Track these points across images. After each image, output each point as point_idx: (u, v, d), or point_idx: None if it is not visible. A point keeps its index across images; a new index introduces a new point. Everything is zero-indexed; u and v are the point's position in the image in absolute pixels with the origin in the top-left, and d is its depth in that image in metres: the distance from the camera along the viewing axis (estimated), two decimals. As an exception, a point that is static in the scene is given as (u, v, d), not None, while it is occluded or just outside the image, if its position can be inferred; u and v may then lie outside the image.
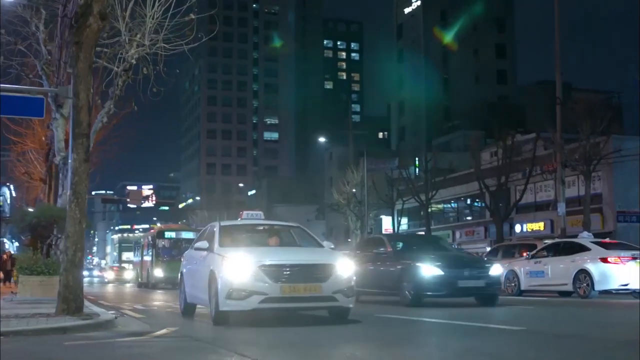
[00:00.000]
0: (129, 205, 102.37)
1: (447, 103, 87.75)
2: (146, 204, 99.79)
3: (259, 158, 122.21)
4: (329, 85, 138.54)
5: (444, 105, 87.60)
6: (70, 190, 10.76)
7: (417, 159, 61.42)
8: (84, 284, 20.70)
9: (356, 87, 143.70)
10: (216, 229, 11.32)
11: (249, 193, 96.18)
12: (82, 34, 10.79)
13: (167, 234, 38.17)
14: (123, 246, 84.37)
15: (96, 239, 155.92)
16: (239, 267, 9.65)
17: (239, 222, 12.41)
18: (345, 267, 10.13)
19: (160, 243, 37.36)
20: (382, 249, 16.77)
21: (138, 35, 16.63)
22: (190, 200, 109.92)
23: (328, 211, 69.38)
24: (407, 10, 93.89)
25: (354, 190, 55.03)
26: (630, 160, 34.77)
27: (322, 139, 70.86)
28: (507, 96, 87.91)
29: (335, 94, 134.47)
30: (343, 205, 55.31)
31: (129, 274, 56.52)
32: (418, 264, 14.61)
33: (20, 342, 7.97)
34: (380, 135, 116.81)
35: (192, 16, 16.88)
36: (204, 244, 11.12)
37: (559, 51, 31.60)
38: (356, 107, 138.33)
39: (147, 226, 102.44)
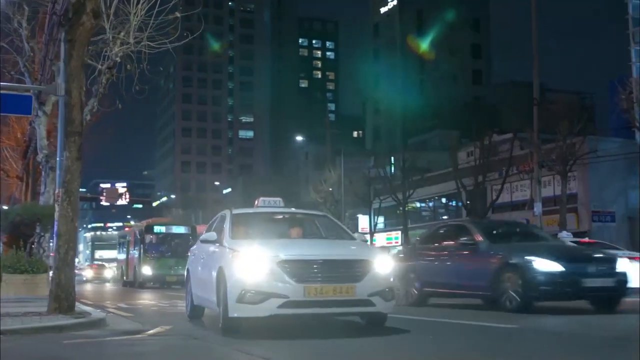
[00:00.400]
0: (102, 203, 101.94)
1: (423, 102, 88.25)
2: (119, 202, 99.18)
3: (234, 156, 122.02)
4: (304, 84, 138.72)
5: (419, 105, 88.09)
6: (62, 189, 10.72)
7: (392, 158, 61.81)
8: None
9: (331, 86, 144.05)
10: (227, 218, 9.76)
11: (224, 191, 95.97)
12: (76, 32, 10.78)
13: (157, 229, 34.97)
14: (96, 244, 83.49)
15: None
16: (253, 264, 8.01)
17: (254, 210, 10.61)
18: (384, 263, 8.43)
19: (149, 238, 34.26)
20: (466, 239, 13.23)
21: (122, 33, 16.60)
22: (164, 199, 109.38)
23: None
24: (383, 10, 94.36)
25: (330, 189, 55.23)
26: (605, 161, 35.32)
27: (299, 138, 70.98)
28: (482, 96, 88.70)
29: (310, 93, 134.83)
30: (320, 204, 55.44)
31: (109, 272, 54.95)
32: (529, 257, 11.52)
33: (19, 340, 7.95)
34: (355, 134, 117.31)
35: (178, 14, 16.92)
36: (211, 235, 9.54)
37: (537, 53, 32.00)
38: (331, 106, 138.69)
39: (120, 224, 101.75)
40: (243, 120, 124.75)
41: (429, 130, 77.36)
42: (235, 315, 8.06)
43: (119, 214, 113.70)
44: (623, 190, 38.94)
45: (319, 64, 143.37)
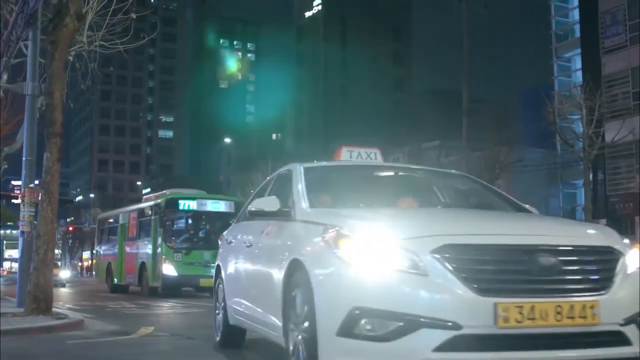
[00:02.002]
0: (13, 201, 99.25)
1: (345, 107, 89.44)
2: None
3: (153, 156, 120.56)
4: (224, 84, 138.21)
5: (341, 110, 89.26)
6: (42, 190, 10.74)
7: (315, 161, 62.44)
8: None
9: (251, 88, 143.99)
10: (297, 177, 5.61)
11: (144, 191, 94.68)
12: (59, 33, 10.82)
13: (183, 204, 23.04)
14: (7, 243, 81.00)
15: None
16: (376, 255, 3.97)
17: (338, 163, 6.46)
18: (636, 257, 4.23)
19: (171, 219, 22.72)
20: None
21: (72, 31, 16.49)
22: (80, 197, 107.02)
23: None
24: (307, 14, 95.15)
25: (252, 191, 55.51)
26: (528, 170, 36.97)
27: (227, 140, 70.91)
28: (403, 103, 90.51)
29: (230, 94, 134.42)
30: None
31: (65, 273, 46.04)
32: None
33: (18, 341, 7.96)
34: (274, 136, 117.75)
35: (133, 16, 16.96)
36: (270, 202, 5.37)
37: (467, 65, 33.13)
38: (250, 108, 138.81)
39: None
40: (163, 119, 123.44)
41: (350, 136, 78.48)
42: None
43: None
44: (544, 198, 40.79)
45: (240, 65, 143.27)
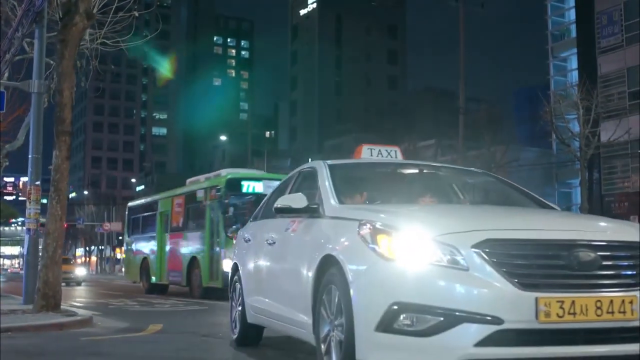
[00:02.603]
0: (5, 197, 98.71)
1: (339, 106, 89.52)
2: (24, 197, 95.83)
3: (146, 153, 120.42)
4: (217, 82, 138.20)
5: (336, 108, 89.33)
6: (52, 187, 10.80)
7: (310, 159, 62.65)
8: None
9: (245, 85, 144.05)
10: (322, 174, 5.67)
11: (137, 189, 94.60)
12: (68, 32, 10.88)
13: (248, 187, 18.78)
14: (1, 240, 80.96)
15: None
16: (415, 250, 4.01)
17: (361, 161, 6.59)
18: None
19: (233, 204, 18.39)
20: None
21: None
22: (73, 194, 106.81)
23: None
24: (302, 11, 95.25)
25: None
26: (523, 170, 37.09)
27: (223, 137, 70.90)
28: (397, 101, 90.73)
29: (224, 91, 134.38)
30: (241, 204, 55.47)
31: (81, 270, 42.26)
32: None
33: (30, 338, 8.00)
34: (267, 134, 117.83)
35: (136, 14, 17.03)
36: (298, 199, 5.37)
37: (463, 64, 33.26)
38: (244, 105, 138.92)
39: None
40: (157, 116, 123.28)
41: (345, 133, 78.69)
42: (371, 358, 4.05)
43: (23, 209, 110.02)
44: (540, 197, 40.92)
45: (233, 62, 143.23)
